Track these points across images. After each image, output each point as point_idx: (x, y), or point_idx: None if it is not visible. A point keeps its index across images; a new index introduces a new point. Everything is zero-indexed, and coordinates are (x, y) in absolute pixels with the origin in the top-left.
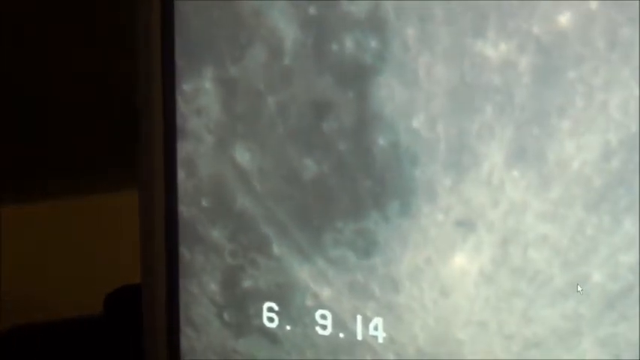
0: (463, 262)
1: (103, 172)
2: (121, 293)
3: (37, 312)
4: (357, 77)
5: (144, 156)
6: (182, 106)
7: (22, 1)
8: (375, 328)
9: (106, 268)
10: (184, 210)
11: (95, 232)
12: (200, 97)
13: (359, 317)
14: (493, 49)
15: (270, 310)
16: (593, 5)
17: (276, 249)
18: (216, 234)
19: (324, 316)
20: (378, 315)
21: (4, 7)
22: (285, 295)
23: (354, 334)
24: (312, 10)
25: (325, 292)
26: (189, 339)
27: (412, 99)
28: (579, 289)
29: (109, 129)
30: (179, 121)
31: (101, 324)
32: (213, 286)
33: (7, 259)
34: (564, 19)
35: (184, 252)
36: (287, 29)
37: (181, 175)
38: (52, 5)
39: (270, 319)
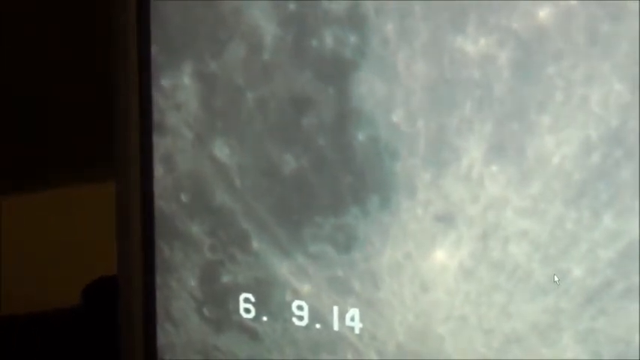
0: (443, 257)
1: (94, 166)
2: (99, 284)
3: (18, 304)
4: (337, 73)
5: (120, 151)
6: (161, 102)
7: (22, 1)
8: (352, 319)
9: (87, 259)
10: (163, 205)
11: (76, 223)
12: (179, 93)
13: (335, 308)
14: (473, 44)
15: (247, 301)
16: (573, 1)
17: (255, 244)
18: (195, 229)
19: (300, 307)
20: (355, 307)
21: (3, 7)
22: (263, 288)
23: (331, 325)
24: (292, 6)
25: (305, 288)
26: (168, 335)
27: (392, 94)
28: (556, 279)
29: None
30: (158, 116)
31: (79, 316)
32: (193, 282)
33: None
34: (544, 14)
35: (163, 247)
36: (267, 25)
37: (160, 170)
38: (52, 5)
39: (247, 310)
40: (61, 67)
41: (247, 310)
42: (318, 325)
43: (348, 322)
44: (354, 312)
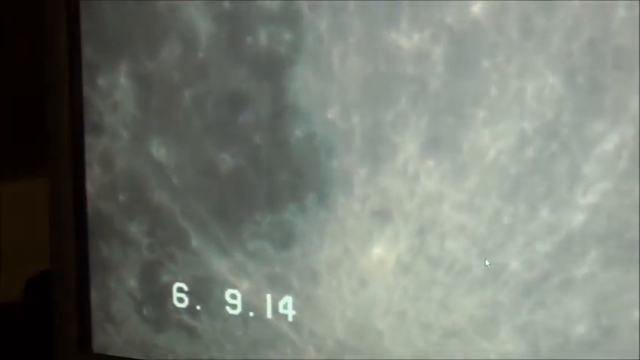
0: (381, 253)
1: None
2: (41, 279)
3: None
4: (272, 70)
5: (52, 150)
6: (98, 102)
7: None
8: (285, 307)
9: (30, 254)
10: (101, 205)
11: (19, 217)
12: (116, 93)
13: (268, 296)
14: (407, 39)
15: (180, 290)
16: None
17: (194, 243)
18: (133, 229)
19: (233, 296)
20: (290, 298)
21: None
22: (202, 285)
23: (264, 313)
24: (226, 4)
25: (244, 285)
26: (108, 334)
27: (327, 90)
28: (487, 263)
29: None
30: (95, 116)
31: (21, 309)
32: (132, 282)
33: None
34: (477, 8)
35: (102, 247)
36: (202, 23)
37: (98, 170)
38: None
39: (180, 300)
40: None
41: (181, 300)
42: (251, 314)
43: (281, 310)
44: (287, 299)
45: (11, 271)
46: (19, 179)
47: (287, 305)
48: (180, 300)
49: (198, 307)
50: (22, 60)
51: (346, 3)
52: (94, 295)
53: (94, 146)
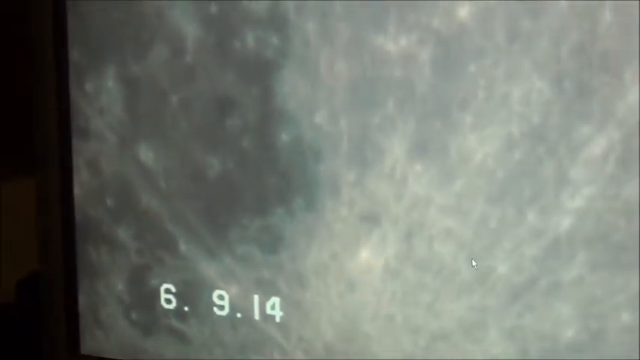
0: (368, 257)
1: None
2: (32, 279)
3: None
4: (260, 74)
5: (40, 154)
6: (85, 106)
7: None
8: (272, 308)
9: (22, 254)
10: (89, 209)
11: (11, 217)
12: (103, 97)
13: (256, 297)
14: (393, 43)
15: (168, 291)
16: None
17: (182, 247)
18: (121, 233)
19: (221, 297)
20: (278, 299)
21: None
22: (190, 289)
23: (252, 314)
24: (213, 8)
25: (232, 289)
26: (97, 340)
27: (314, 94)
28: (474, 263)
29: None
30: (82, 121)
31: (12, 310)
32: (121, 286)
33: None
34: (464, 12)
35: (91, 252)
36: (189, 27)
37: (85, 174)
38: None
39: (168, 301)
40: None
41: (168, 301)
42: (239, 315)
43: (268, 311)
44: (274, 300)
45: (10, 272)
46: (18, 179)
47: (274, 306)
48: (168, 301)
49: (186, 309)
50: (22, 60)
51: (333, 6)
52: (83, 299)
53: (81, 150)
